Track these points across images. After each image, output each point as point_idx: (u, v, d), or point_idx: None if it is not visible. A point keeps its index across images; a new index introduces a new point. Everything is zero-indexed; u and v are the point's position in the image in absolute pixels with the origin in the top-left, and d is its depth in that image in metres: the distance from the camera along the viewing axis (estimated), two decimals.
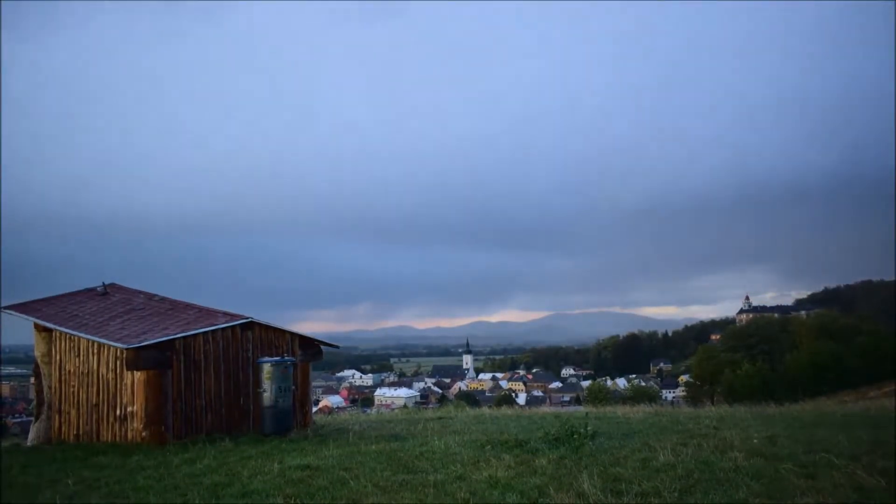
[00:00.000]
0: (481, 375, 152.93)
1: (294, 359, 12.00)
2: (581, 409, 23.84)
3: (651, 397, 64.96)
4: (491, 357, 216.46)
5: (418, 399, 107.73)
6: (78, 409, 11.46)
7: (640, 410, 15.40)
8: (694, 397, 68.35)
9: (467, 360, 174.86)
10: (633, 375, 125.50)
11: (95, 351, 11.21)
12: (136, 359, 10.36)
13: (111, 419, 10.99)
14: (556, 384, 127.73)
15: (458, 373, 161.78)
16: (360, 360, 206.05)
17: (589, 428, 9.59)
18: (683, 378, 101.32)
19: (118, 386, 10.88)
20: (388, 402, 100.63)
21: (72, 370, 11.58)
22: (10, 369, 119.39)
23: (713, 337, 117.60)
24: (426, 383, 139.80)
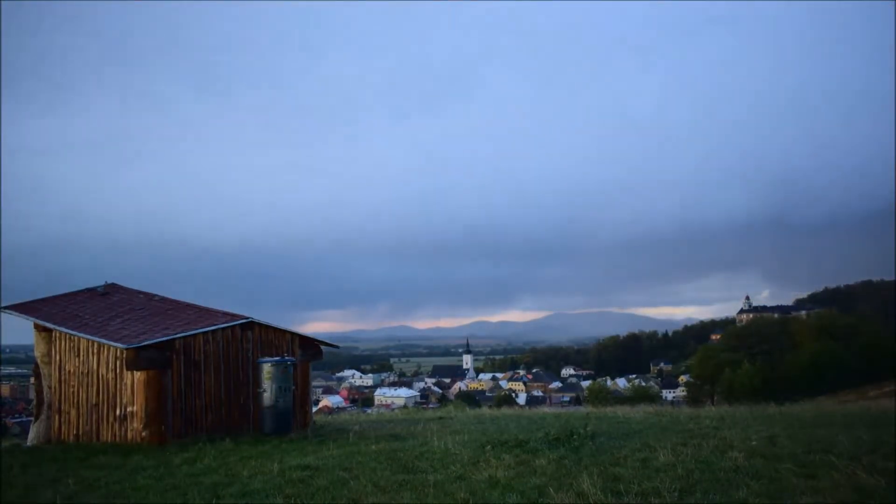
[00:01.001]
0: (481, 375, 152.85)
1: (294, 359, 11.99)
2: (581, 409, 23.85)
3: (651, 397, 65.24)
4: (491, 357, 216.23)
5: (418, 399, 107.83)
6: (78, 409, 11.46)
7: (641, 410, 15.40)
8: (694, 397, 68.46)
9: (467, 360, 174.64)
10: (634, 375, 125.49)
11: (95, 351, 11.21)
12: (136, 359, 10.36)
13: (111, 419, 10.98)
14: (557, 384, 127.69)
15: (458, 373, 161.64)
16: (360, 360, 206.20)
17: (589, 428, 9.61)
18: (683, 378, 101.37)
19: (118, 386, 10.88)
20: (388, 402, 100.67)
21: (72, 370, 11.58)
22: (10, 369, 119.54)
23: (713, 337, 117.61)
24: (426, 383, 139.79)
